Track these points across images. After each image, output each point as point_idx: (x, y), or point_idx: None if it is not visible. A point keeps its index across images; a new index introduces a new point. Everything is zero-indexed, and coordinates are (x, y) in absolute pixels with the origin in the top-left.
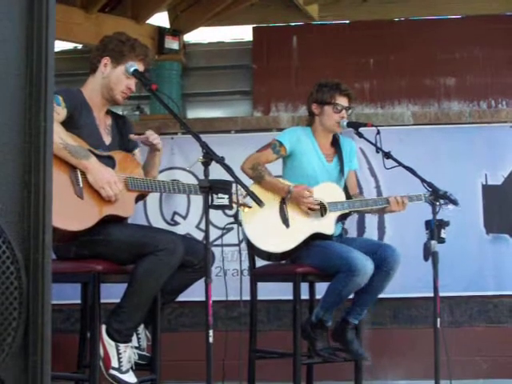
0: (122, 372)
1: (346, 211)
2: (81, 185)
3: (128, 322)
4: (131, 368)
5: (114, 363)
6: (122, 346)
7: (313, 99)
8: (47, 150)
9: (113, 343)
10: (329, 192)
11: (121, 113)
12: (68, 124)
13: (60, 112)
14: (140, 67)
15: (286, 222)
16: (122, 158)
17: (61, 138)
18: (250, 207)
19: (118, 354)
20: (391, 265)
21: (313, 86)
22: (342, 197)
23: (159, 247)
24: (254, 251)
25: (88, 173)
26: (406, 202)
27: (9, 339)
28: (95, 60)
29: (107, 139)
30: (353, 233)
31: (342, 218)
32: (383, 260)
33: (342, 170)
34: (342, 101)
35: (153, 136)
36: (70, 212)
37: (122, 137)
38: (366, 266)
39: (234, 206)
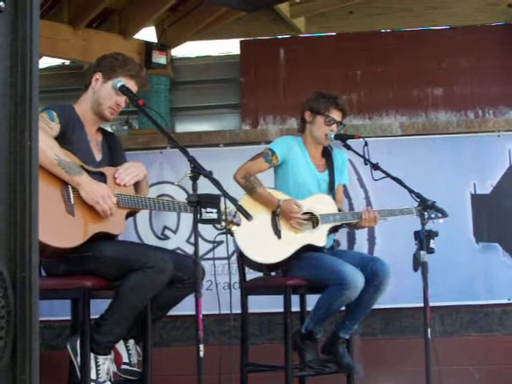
0: (99, 383)
1: (338, 223)
2: (72, 202)
3: (109, 335)
4: (109, 380)
5: (92, 375)
6: (100, 358)
7: (308, 106)
8: (33, 169)
9: (91, 355)
10: (321, 203)
11: (109, 128)
12: (60, 139)
13: (53, 127)
14: (131, 85)
15: (277, 233)
16: (113, 174)
17: (55, 153)
18: (238, 225)
19: (97, 365)
20: (381, 279)
21: (303, 96)
22: (334, 209)
23: (148, 264)
24: (245, 262)
25: (81, 189)
26: (377, 216)
27: None
28: (89, 77)
29: (98, 156)
30: (343, 244)
31: (334, 230)
32: (373, 274)
33: (331, 183)
34: (336, 115)
35: (120, 176)
36: (61, 229)
37: (111, 154)
38: (357, 279)
39: (223, 223)
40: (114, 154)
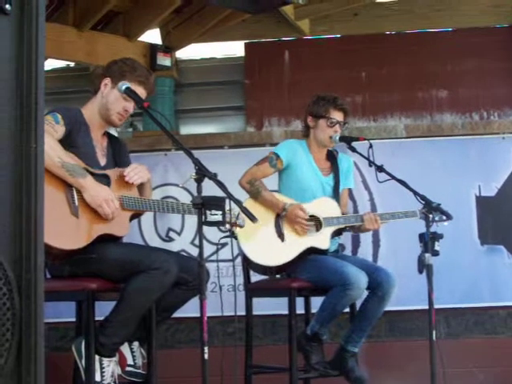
0: None
1: (342, 226)
2: (76, 203)
3: (114, 336)
4: (114, 382)
5: (97, 377)
6: (105, 361)
7: (309, 111)
8: (38, 172)
9: (96, 357)
10: (324, 207)
11: (114, 130)
12: (65, 142)
13: (58, 130)
14: (140, 91)
15: (281, 236)
16: (117, 176)
17: (59, 156)
18: (242, 227)
19: (101, 367)
20: (386, 289)
21: (308, 98)
22: (337, 212)
23: (153, 266)
24: (249, 265)
25: (84, 191)
26: (378, 218)
27: (1, 360)
28: (98, 81)
29: (102, 160)
30: (347, 247)
31: (338, 233)
32: (378, 284)
33: (336, 187)
34: (337, 115)
35: (129, 174)
36: (65, 231)
37: (116, 159)
38: (360, 279)
39: (228, 225)
40: (119, 159)
